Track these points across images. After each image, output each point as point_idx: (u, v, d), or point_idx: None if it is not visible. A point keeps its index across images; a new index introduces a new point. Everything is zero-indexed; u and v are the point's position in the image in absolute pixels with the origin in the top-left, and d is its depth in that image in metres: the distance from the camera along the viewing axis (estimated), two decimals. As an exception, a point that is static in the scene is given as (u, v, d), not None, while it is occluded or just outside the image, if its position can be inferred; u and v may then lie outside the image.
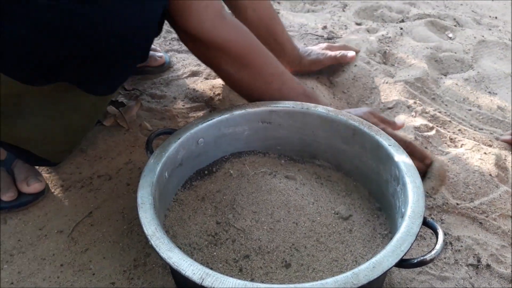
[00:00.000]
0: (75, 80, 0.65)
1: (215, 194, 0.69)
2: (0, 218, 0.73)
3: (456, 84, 1.10)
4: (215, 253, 0.60)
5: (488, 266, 0.67)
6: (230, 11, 0.95)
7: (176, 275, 0.59)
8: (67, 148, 0.77)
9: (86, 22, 0.56)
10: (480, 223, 0.74)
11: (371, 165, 0.69)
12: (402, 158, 0.62)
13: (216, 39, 0.71)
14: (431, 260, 0.50)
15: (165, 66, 1.12)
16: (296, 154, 0.78)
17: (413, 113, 0.97)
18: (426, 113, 0.97)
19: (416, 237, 0.51)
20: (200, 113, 0.97)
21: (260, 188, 0.68)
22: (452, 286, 0.64)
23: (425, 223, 0.54)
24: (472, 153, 0.84)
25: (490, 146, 0.89)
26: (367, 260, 0.49)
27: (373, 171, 0.69)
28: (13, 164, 0.78)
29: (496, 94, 1.09)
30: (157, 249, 0.49)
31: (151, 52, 1.10)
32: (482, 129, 0.97)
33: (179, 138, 0.67)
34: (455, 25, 1.42)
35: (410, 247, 0.50)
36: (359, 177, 0.73)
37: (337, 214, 0.65)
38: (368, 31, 1.36)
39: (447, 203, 0.76)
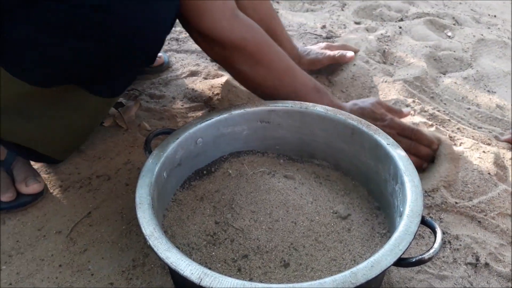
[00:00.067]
0: (84, 83, 0.65)
1: (213, 194, 0.69)
2: (-1, 219, 0.73)
3: (455, 82, 1.10)
4: (213, 253, 0.60)
5: (486, 264, 0.67)
6: None
7: (174, 275, 0.59)
8: (71, 147, 0.77)
9: (98, 24, 0.55)
10: (479, 221, 0.74)
11: (370, 164, 0.69)
12: (400, 157, 0.62)
13: (231, 38, 0.71)
14: (430, 259, 0.50)
15: (164, 66, 1.12)
16: (295, 153, 0.78)
17: (412, 112, 0.97)
18: (425, 111, 0.97)
19: (414, 236, 0.51)
20: (199, 113, 0.97)
21: (258, 188, 0.68)
22: (450, 285, 0.64)
23: (424, 222, 0.54)
24: (471, 152, 0.84)
25: (489, 144, 0.89)
26: (366, 259, 0.49)
27: (371, 170, 0.69)
28: (12, 165, 0.78)
29: (495, 92, 1.09)
30: (155, 249, 0.49)
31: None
32: (481, 127, 0.97)
33: (178, 138, 0.67)
34: (454, 24, 1.42)
35: (409, 246, 0.50)
36: (358, 176, 0.73)
37: (335, 213, 0.65)
38: (367, 30, 1.36)
39: (445, 202, 0.76)
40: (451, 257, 0.68)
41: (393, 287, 0.63)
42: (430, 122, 0.93)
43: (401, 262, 0.50)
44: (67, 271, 0.65)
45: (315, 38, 1.30)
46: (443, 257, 0.68)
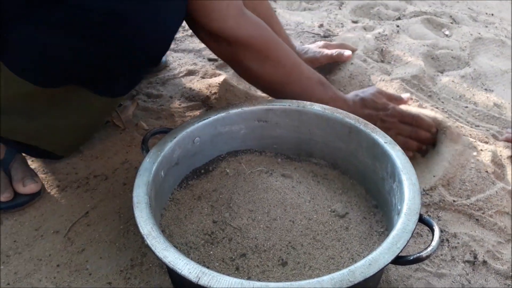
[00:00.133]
0: (89, 83, 0.64)
1: (211, 193, 0.69)
2: (-4, 219, 0.73)
3: (453, 81, 1.10)
4: (211, 252, 0.59)
5: (484, 262, 0.67)
6: None
7: (172, 274, 0.59)
8: (74, 144, 0.77)
9: (107, 24, 0.55)
10: (477, 219, 0.74)
11: (367, 163, 0.69)
12: (398, 155, 0.62)
13: (240, 36, 0.71)
14: (427, 257, 0.50)
15: (161, 65, 1.12)
16: (292, 152, 0.78)
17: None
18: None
19: (412, 234, 0.51)
20: (197, 112, 0.97)
21: (256, 187, 0.68)
22: (448, 283, 0.64)
23: (421, 220, 0.54)
24: (469, 150, 0.84)
25: (486, 143, 0.89)
26: (364, 257, 0.49)
27: (369, 168, 0.69)
28: (10, 164, 0.77)
29: (492, 91, 1.09)
30: (153, 248, 0.49)
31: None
32: (478, 126, 0.97)
33: (175, 137, 0.67)
34: (451, 23, 1.43)
35: (406, 244, 0.50)
36: (356, 175, 0.73)
37: (333, 212, 0.65)
38: (364, 29, 1.36)
39: (443, 200, 0.76)
40: (449, 255, 0.68)
41: (391, 285, 0.63)
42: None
43: (399, 260, 0.50)
44: (65, 271, 0.65)
45: (313, 37, 1.30)
46: (441, 255, 0.68)
